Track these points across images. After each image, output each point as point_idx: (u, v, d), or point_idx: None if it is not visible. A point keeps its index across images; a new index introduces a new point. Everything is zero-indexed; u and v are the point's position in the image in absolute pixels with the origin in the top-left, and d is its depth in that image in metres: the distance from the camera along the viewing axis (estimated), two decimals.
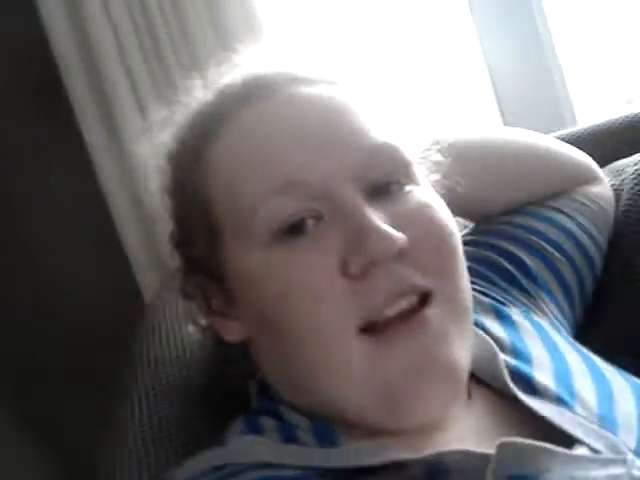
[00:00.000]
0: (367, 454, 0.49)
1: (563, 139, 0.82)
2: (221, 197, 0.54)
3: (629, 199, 0.78)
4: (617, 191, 0.79)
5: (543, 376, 0.54)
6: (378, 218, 0.49)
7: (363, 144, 0.52)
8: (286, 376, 0.55)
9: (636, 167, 0.81)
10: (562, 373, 0.55)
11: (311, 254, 0.49)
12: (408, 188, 0.53)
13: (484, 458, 0.45)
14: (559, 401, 0.52)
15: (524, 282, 0.68)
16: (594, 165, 0.78)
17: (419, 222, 0.51)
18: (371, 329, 0.49)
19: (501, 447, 0.45)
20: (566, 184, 0.75)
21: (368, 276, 0.48)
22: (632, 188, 0.78)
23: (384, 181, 0.52)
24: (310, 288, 0.48)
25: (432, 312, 0.50)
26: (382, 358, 0.49)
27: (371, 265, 0.48)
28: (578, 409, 0.52)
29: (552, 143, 0.78)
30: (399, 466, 0.47)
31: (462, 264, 0.54)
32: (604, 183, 0.78)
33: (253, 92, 0.55)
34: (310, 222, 0.50)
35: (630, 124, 0.96)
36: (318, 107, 0.53)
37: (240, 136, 0.54)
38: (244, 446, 0.53)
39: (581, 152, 0.78)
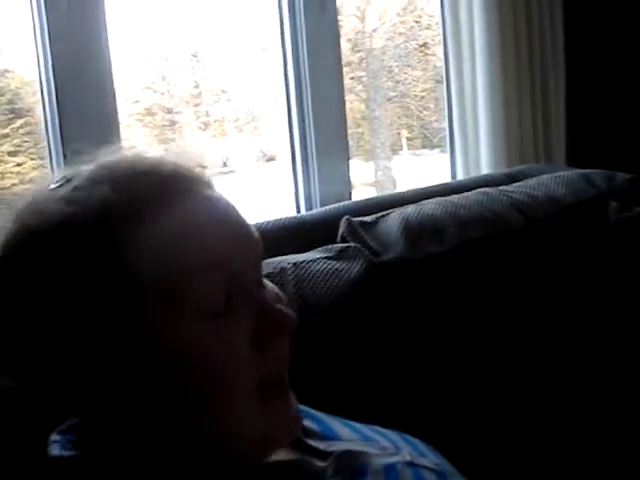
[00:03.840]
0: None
1: None
2: (154, 268, 0.58)
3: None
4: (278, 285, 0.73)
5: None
6: (273, 301, 0.63)
7: (259, 241, 0.65)
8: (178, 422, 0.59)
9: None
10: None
11: (231, 334, 0.59)
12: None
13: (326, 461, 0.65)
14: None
15: None
16: None
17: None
18: (263, 387, 0.61)
19: (339, 454, 0.66)
20: None
21: (273, 344, 0.61)
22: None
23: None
24: (229, 360, 0.59)
25: None
26: (270, 412, 0.61)
27: (278, 336, 0.62)
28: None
29: None
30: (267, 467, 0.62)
31: None
32: None
33: (173, 188, 0.61)
34: (225, 305, 0.60)
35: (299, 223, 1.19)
36: (230, 208, 0.64)
37: (174, 218, 0.59)
38: None
39: None
